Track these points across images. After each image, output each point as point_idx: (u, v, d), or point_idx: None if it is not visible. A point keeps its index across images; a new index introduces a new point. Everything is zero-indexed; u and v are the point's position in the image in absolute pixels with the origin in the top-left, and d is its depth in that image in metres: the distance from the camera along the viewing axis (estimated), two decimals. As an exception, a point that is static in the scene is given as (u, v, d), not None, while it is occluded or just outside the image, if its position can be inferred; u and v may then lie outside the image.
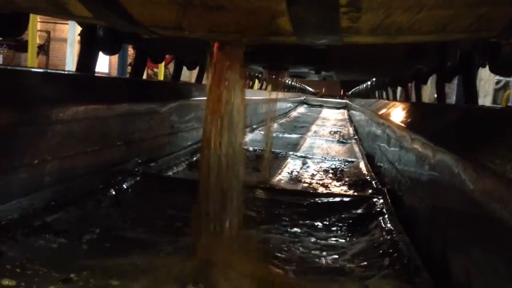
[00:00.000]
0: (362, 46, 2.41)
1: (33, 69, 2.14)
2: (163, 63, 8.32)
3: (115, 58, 10.58)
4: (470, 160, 1.33)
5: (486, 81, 9.63)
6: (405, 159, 2.31)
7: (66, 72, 2.56)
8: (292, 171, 3.40)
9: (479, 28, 1.19)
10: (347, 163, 3.90)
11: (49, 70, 2.39)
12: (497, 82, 11.42)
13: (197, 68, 4.19)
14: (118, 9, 1.21)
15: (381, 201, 2.27)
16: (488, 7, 1.10)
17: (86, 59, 2.45)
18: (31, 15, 6.97)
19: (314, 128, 7.69)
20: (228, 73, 1.58)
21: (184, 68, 3.95)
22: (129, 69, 8.41)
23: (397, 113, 3.21)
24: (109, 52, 2.56)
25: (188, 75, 7.42)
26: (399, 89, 5.89)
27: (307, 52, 2.41)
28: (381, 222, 2.00)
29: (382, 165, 3.33)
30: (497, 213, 1.07)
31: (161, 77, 10.08)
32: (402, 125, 2.53)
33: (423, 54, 2.39)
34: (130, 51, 9.18)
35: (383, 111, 4.02)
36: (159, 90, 3.26)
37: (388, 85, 5.24)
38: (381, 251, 1.71)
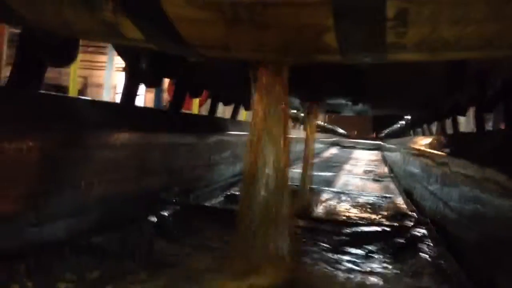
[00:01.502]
0: (400, 75, 2.43)
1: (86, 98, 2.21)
2: (197, 100, 8.53)
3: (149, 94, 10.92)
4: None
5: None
6: (446, 189, 2.27)
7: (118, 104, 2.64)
8: (329, 205, 3.37)
9: (527, 42, 1.19)
10: (383, 199, 3.85)
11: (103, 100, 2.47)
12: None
13: (233, 105, 4.26)
14: (168, 28, 1.26)
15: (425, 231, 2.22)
16: (537, 20, 1.10)
17: (129, 91, 2.52)
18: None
19: (347, 167, 7.64)
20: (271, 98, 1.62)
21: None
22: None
23: (434, 144, 3.17)
24: (151, 84, 2.64)
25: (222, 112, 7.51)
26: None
27: (344, 82, 2.44)
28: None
29: (420, 200, 3.27)
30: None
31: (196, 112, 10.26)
32: (442, 153, 2.49)
33: (462, 82, 2.38)
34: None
35: (419, 144, 3.98)
36: (200, 123, 3.32)
37: (424, 122, 5.19)
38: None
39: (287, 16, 1.17)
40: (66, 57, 1.85)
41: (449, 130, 4.42)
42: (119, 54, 2.50)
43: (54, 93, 1.83)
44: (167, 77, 3.04)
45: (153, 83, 2.67)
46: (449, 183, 2.21)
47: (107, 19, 1.29)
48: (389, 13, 1.07)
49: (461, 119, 8.54)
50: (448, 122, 4.30)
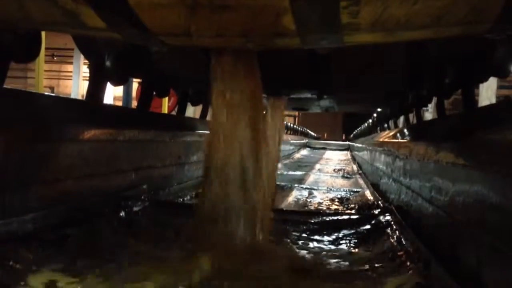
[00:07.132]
0: (361, 66, 2.50)
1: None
2: (166, 99, 8.58)
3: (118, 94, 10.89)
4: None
5: (484, 99, 9.66)
6: (409, 170, 2.34)
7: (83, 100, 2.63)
8: (298, 199, 3.42)
9: (473, 19, 1.25)
10: (352, 193, 3.92)
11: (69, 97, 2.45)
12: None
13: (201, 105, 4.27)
14: (130, 15, 1.28)
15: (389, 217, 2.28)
16: (479, -4, 1.17)
17: (95, 89, 2.51)
18: (38, 73, 7.21)
19: (318, 166, 7.74)
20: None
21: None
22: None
23: (397, 136, 3.26)
24: (117, 82, 2.63)
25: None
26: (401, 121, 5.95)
27: (308, 74, 2.48)
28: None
29: (386, 190, 3.35)
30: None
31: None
32: (402, 141, 2.56)
33: (422, 71, 2.45)
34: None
35: (384, 137, 4.07)
36: (167, 123, 3.32)
37: (389, 118, 5.31)
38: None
39: (246, -2, 1.20)
40: (29, 52, 1.84)
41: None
42: (83, 52, 2.49)
43: (19, 88, 1.82)
44: (132, 76, 3.03)
45: (119, 82, 2.66)
46: (410, 169, 2.27)
47: (68, 7, 1.30)
48: (342, -7, 1.12)
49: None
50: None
